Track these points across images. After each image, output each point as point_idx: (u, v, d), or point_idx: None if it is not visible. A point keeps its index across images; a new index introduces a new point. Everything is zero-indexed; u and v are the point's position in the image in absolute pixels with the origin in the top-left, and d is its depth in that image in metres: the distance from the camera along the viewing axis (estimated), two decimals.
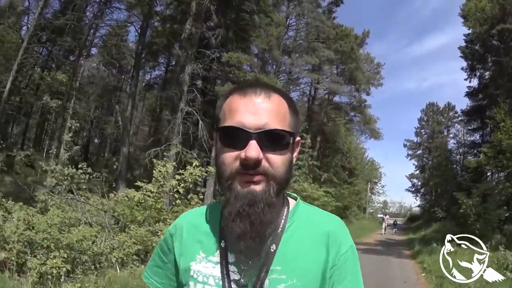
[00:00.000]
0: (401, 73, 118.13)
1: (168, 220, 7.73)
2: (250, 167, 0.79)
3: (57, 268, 5.34)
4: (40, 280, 5.33)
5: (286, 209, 0.91)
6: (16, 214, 6.35)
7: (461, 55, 23.63)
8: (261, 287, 0.82)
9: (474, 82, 24.25)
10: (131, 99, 16.27)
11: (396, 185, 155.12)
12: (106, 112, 26.88)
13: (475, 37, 21.14)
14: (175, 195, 8.15)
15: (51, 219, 6.11)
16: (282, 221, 0.88)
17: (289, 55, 20.27)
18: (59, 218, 6.28)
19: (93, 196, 9.39)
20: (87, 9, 21.54)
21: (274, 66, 18.43)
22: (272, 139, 0.80)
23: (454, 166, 29.39)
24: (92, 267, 6.08)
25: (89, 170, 8.20)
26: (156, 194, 7.98)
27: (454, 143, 36.48)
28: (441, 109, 46.08)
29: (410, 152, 48.65)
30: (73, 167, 8.18)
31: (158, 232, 7.34)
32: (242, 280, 0.84)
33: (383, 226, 30.42)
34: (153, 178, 8.16)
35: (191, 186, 8.46)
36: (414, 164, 48.04)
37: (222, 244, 0.87)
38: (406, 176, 49.33)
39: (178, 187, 7.95)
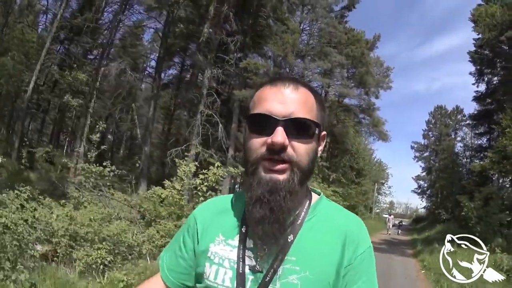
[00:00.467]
0: (411, 74, 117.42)
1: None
2: (275, 152, 0.80)
3: (101, 258, 5.97)
4: (85, 269, 5.91)
5: (308, 202, 0.92)
6: (56, 210, 6.95)
7: (470, 59, 23.65)
8: (274, 274, 0.83)
9: (482, 87, 24.31)
10: (153, 101, 16.69)
11: (403, 186, 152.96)
12: (121, 110, 27.44)
13: (484, 42, 21.03)
14: (199, 193, 8.73)
15: (93, 215, 6.74)
16: (303, 213, 0.89)
17: (302, 59, 20.60)
18: (99, 214, 6.92)
19: (116, 192, 9.92)
20: (106, 9, 22.25)
21: (288, 69, 18.86)
22: (298, 127, 0.82)
23: (460, 169, 29.38)
24: (129, 257, 6.72)
25: (113, 168, 8.56)
26: (180, 192, 8.60)
27: (461, 146, 36.63)
28: (449, 112, 45.99)
29: (417, 154, 48.51)
30: (97, 164, 8.51)
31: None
32: (258, 267, 0.84)
33: (388, 226, 30.73)
34: (177, 177, 8.77)
35: (213, 185, 9.03)
36: (421, 166, 47.97)
37: (243, 229, 0.89)
38: (412, 177, 49.17)
39: (201, 185, 8.54)
